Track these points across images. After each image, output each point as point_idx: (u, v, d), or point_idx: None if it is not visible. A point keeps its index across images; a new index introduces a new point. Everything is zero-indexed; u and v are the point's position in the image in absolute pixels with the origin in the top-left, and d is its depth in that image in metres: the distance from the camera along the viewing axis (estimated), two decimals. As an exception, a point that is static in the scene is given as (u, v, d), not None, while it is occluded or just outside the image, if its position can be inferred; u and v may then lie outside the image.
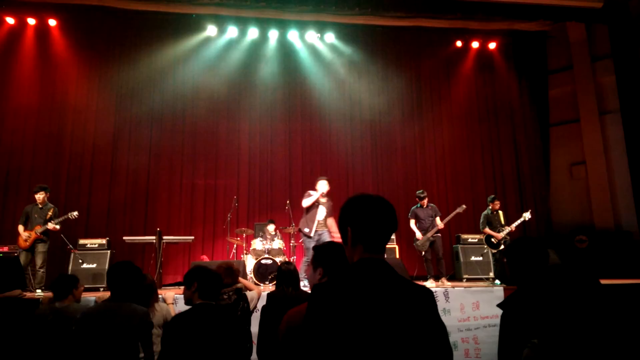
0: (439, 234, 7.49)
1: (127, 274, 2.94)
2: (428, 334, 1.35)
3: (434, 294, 5.09)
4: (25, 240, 6.49)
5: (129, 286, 2.93)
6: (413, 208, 7.74)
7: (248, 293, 3.83)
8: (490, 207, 7.70)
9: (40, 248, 6.54)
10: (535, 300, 1.69)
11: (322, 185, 6.75)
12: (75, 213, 6.84)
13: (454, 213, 7.57)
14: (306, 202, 6.77)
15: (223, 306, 2.74)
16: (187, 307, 2.73)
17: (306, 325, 1.36)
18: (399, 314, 1.33)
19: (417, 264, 8.64)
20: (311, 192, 6.78)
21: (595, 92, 9.88)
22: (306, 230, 6.67)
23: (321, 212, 6.69)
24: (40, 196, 6.67)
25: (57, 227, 6.65)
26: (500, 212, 7.70)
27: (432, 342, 1.35)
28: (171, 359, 2.48)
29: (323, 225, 6.69)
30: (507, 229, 7.47)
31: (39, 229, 6.50)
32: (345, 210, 1.52)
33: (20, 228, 6.57)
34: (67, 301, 3.46)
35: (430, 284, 7.04)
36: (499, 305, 2.17)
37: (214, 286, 2.76)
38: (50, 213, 6.62)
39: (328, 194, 6.81)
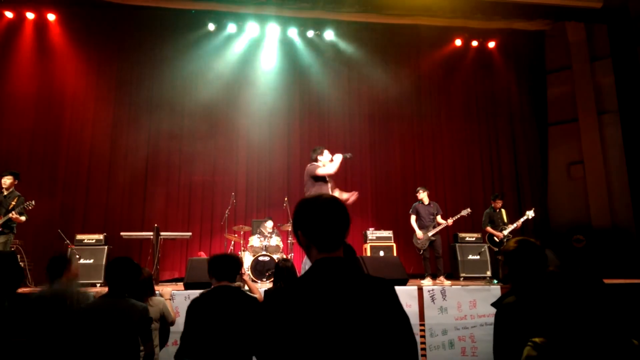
0: (439, 233, 7.49)
1: (126, 269, 2.94)
2: (389, 326, 1.35)
3: (431, 291, 5.09)
4: None
5: (127, 282, 2.93)
6: (415, 204, 7.70)
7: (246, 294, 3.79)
8: (492, 205, 7.70)
9: (1, 239, 5.92)
10: (532, 299, 1.69)
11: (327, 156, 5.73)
12: (33, 202, 6.08)
13: (459, 215, 7.53)
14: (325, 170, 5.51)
15: (239, 289, 2.95)
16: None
17: (265, 330, 1.35)
18: (357, 309, 1.33)
19: (415, 262, 8.66)
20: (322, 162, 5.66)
21: (594, 91, 9.89)
22: None
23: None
24: (7, 180, 6.06)
25: (22, 218, 6.02)
26: (503, 211, 7.69)
27: (394, 333, 1.35)
28: (192, 336, 2.71)
29: None
30: (510, 227, 7.46)
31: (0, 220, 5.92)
32: (294, 214, 1.53)
33: None
34: (63, 280, 3.44)
35: (427, 282, 7.04)
36: (493, 305, 2.17)
37: (226, 270, 2.97)
38: (13, 203, 5.98)
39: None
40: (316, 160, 5.81)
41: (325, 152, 5.81)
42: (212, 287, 2.96)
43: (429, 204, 7.61)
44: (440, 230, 7.48)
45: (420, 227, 7.48)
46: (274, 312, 1.35)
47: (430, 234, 7.37)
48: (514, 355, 1.67)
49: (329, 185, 5.67)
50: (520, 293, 2.05)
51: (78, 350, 2.75)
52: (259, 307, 2.84)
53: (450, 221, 7.40)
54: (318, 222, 1.46)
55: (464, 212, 7.53)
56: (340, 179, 9.98)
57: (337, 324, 1.29)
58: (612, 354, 1.38)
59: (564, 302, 1.46)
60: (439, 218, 7.47)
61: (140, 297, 3.26)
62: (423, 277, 7.41)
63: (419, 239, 7.43)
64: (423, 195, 7.62)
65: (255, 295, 3.86)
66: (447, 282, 6.96)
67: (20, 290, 5.76)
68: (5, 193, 6.11)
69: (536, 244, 2.16)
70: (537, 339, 1.47)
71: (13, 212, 5.91)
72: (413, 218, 7.59)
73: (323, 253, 1.44)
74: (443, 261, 7.58)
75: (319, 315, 1.30)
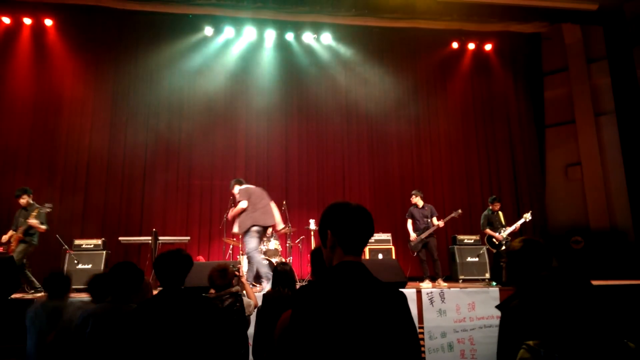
0: (434, 236, 7.51)
1: (129, 275, 2.93)
2: (400, 334, 1.43)
3: (430, 294, 5.09)
4: (10, 244, 6.36)
5: (130, 287, 2.91)
6: (410, 208, 7.75)
7: (245, 299, 3.77)
8: (490, 208, 7.71)
9: (18, 247, 6.39)
10: (534, 301, 1.68)
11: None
12: (50, 205, 6.66)
13: (450, 217, 7.57)
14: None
15: (188, 293, 2.57)
16: None
17: (292, 324, 1.43)
18: (375, 315, 1.41)
19: (413, 265, 8.66)
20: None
21: (591, 93, 9.92)
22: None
23: None
24: (23, 200, 6.55)
25: (39, 224, 6.47)
26: (500, 213, 7.71)
27: (403, 341, 1.43)
28: (133, 349, 2.39)
29: None
30: (509, 229, 7.47)
31: (20, 230, 6.43)
32: (326, 215, 1.60)
33: (9, 234, 6.44)
34: (63, 299, 3.42)
35: (426, 284, 7.04)
36: (497, 307, 2.16)
37: (169, 273, 2.55)
38: (34, 214, 6.49)
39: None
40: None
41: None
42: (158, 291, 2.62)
43: (423, 207, 7.65)
44: (436, 232, 7.51)
45: (415, 230, 7.54)
46: (301, 308, 1.43)
47: (422, 235, 7.40)
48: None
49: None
50: (524, 295, 2.03)
51: (83, 356, 2.74)
52: (213, 312, 2.57)
53: (441, 223, 7.45)
54: (351, 225, 1.55)
55: (454, 214, 7.59)
56: (339, 181, 10.02)
57: (357, 326, 1.38)
58: (605, 356, 1.37)
59: (552, 304, 1.46)
60: (434, 220, 7.50)
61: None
62: (422, 280, 7.42)
63: (411, 241, 7.49)
64: (417, 200, 7.68)
65: (250, 301, 3.85)
66: (444, 284, 6.97)
67: (16, 295, 5.78)
68: (27, 208, 6.60)
69: (541, 244, 2.14)
70: (531, 342, 1.47)
71: (31, 219, 6.42)
72: (409, 222, 7.65)
73: (348, 256, 1.53)
74: (441, 264, 7.60)
75: (343, 316, 1.39)
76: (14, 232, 6.48)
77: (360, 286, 1.45)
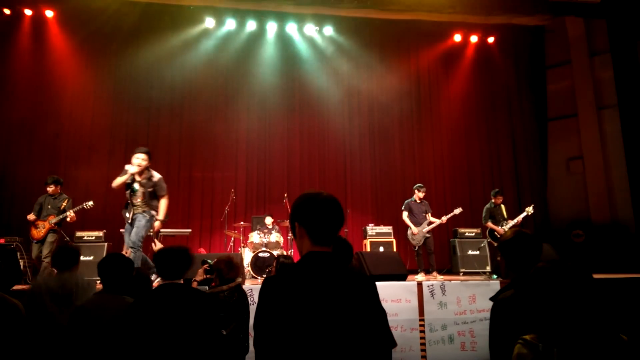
0: (431, 231, 7.59)
1: (119, 266, 2.93)
2: (368, 320, 1.43)
3: (431, 286, 5.10)
4: (39, 231, 6.29)
5: (120, 278, 2.92)
6: (407, 201, 7.78)
7: None
8: (493, 201, 7.71)
9: (50, 238, 6.32)
10: (530, 293, 1.68)
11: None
12: (90, 203, 6.61)
13: (452, 214, 7.60)
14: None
15: (188, 287, 2.64)
16: None
17: (256, 314, 1.43)
18: (341, 302, 1.41)
19: (413, 258, 8.69)
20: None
21: (594, 86, 9.88)
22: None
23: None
24: (50, 188, 6.50)
25: (74, 216, 6.48)
26: (503, 206, 7.72)
27: (371, 327, 1.43)
28: (132, 342, 2.43)
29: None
30: (511, 223, 7.48)
31: (52, 219, 6.34)
32: (293, 207, 1.60)
33: (31, 218, 6.36)
34: (71, 273, 3.44)
35: (421, 277, 7.08)
36: (491, 299, 2.17)
37: (171, 266, 2.63)
38: (64, 204, 6.47)
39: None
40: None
41: (135, 157, 5.82)
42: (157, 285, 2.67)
43: (421, 202, 7.70)
44: (439, 225, 7.55)
45: (415, 225, 7.57)
46: (266, 299, 1.43)
47: (425, 230, 7.45)
48: (508, 351, 1.66)
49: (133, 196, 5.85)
50: (517, 286, 2.04)
51: (74, 348, 2.74)
52: (209, 304, 2.62)
53: (444, 219, 7.54)
54: (318, 216, 1.53)
55: (457, 211, 7.65)
56: (340, 173, 10.01)
57: (321, 313, 1.38)
58: (601, 350, 1.37)
59: (552, 297, 1.45)
60: (429, 216, 7.57)
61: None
62: (416, 273, 7.48)
63: (414, 234, 7.53)
64: (422, 194, 7.68)
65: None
66: (440, 277, 7.02)
67: (17, 287, 5.80)
68: (54, 196, 6.55)
69: (532, 235, 2.17)
70: (527, 336, 1.46)
71: (68, 212, 6.39)
72: (405, 214, 7.68)
73: (316, 246, 1.52)
74: (443, 257, 7.66)
75: (305, 304, 1.38)
76: (37, 218, 6.36)
77: (325, 275, 1.44)
